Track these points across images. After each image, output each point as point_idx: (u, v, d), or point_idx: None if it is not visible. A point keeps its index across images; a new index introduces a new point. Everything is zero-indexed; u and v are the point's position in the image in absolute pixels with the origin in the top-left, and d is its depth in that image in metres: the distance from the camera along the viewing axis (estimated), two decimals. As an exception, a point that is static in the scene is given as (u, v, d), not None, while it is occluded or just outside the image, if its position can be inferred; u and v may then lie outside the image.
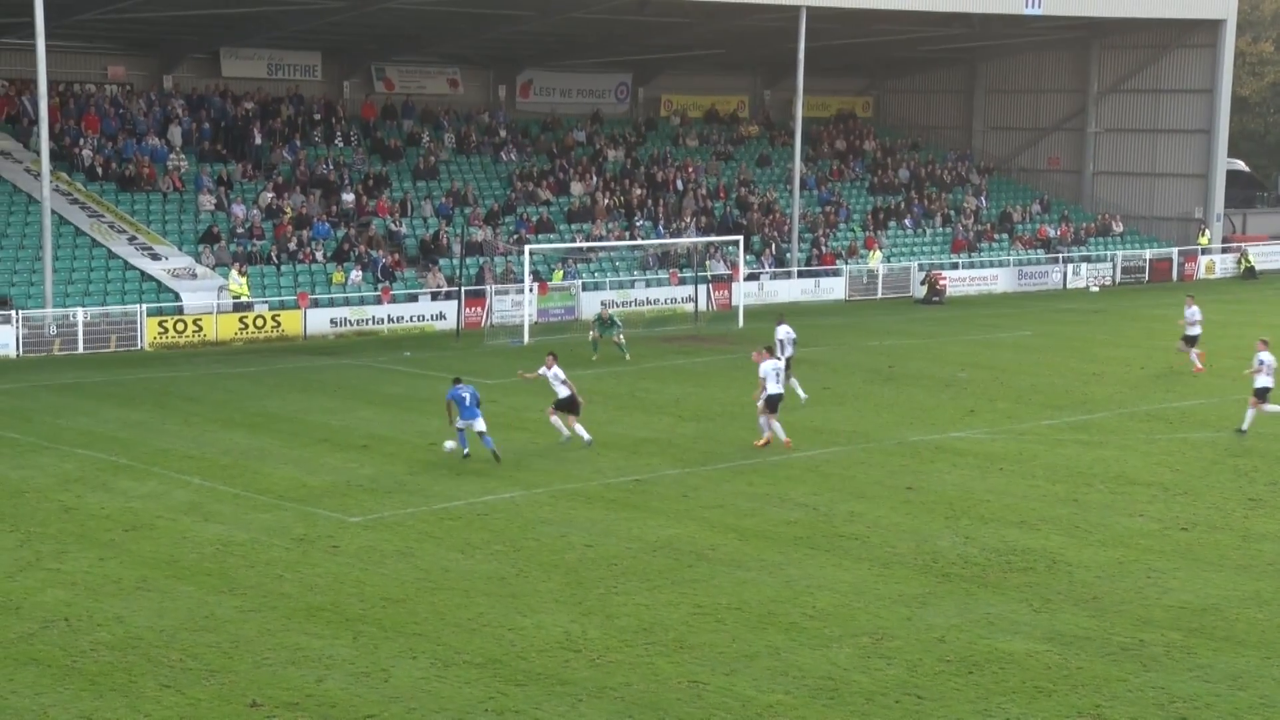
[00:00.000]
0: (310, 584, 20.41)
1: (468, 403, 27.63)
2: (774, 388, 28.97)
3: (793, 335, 35.84)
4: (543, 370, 29.72)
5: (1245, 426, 30.84)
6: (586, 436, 29.20)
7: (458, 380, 28.55)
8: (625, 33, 59.84)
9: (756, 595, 20.07)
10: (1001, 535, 23.10)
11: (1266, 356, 30.88)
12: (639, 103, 67.67)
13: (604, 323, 41.83)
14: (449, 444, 27.88)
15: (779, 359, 30.64)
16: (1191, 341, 39.44)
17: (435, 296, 48.43)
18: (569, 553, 22.00)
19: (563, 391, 29.27)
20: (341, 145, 56.10)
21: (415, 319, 47.25)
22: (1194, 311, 39.46)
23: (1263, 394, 30.70)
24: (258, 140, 54.14)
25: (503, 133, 60.34)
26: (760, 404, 29.14)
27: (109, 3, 47.09)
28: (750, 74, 70.84)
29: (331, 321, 46.03)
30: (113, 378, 37.31)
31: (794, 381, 33.34)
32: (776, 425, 29.06)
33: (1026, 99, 72.56)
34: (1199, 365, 38.80)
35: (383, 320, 46.75)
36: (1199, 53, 66.79)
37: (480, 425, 27.63)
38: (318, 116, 56.79)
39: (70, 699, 16.34)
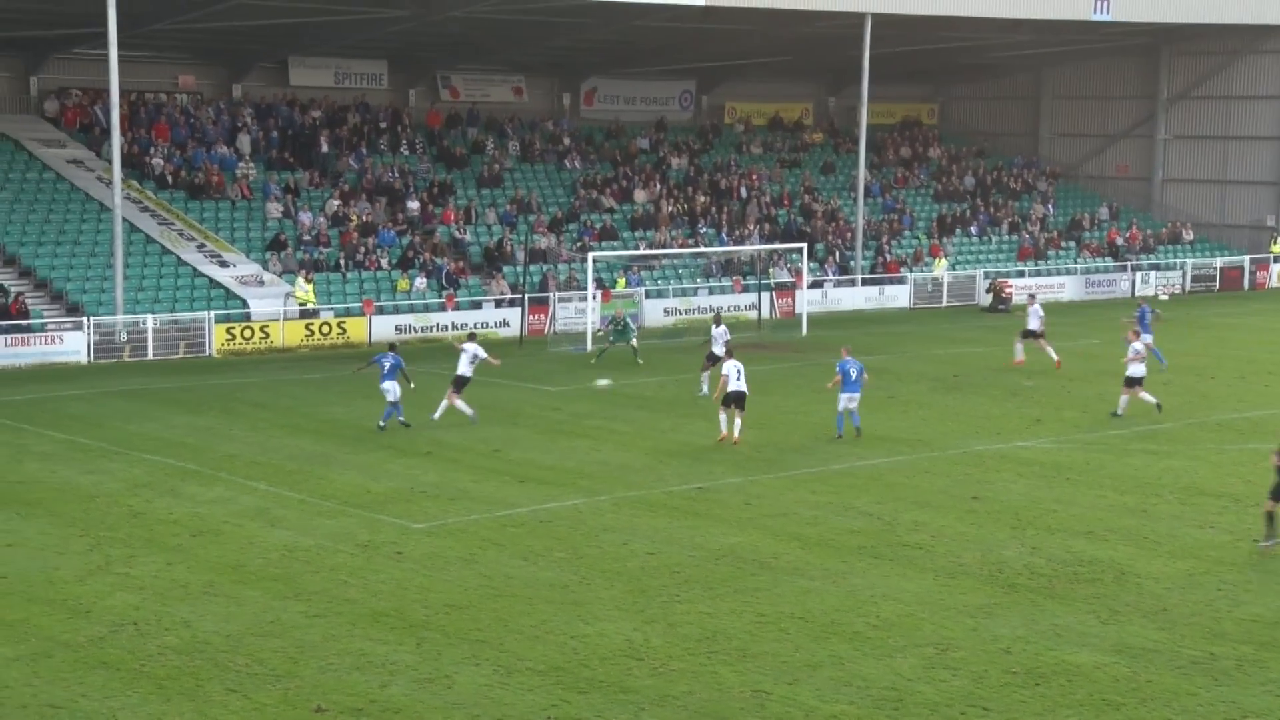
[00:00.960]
0: (374, 590, 20.52)
1: (385, 369, 31.18)
2: (734, 385, 30.33)
3: (727, 335, 36.69)
4: (465, 345, 32.80)
5: (1120, 410, 33.05)
6: (470, 411, 32.01)
7: (391, 348, 32.43)
8: (689, 40, 59.83)
9: (820, 604, 19.97)
10: (1068, 546, 22.87)
11: (1139, 346, 33.51)
12: (703, 110, 67.65)
13: (618, 328, 42.10)
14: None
15: (735, 360, 31.28)
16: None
17: (499, 304, 48.59)
18: (631, 560, 21.99)
19: (465, 371, 32.19)
20: (407, 153, 56.44)
21: (479, 326, 47.43)
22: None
23: (1135, 382, 33.22)
24: (324, 148, 54.58)
25: (566, 140, 60.49)
26: (719, 399, 30.80)
27: (180, 13, 47.66)
28: (814, 81, 70.64)
29: (396, 328, 46.29)
30: (181, 384, 37.71)
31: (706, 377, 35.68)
32: (726, 419, 30.57)
33: (1094, 105, 71.92)
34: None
35: (447, 327, 46.95)
36: (1272, 58, 65.94)
37: (393, 394, 30.99)
38: (384, 125, 57.18)
39: (138, 703, 16.50)
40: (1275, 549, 22.40)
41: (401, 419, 31.53)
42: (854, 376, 30.93)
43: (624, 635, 18.72)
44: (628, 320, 43.05)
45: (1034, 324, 40.39)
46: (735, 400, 30.52)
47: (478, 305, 48.40)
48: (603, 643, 18.45)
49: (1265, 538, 22.54)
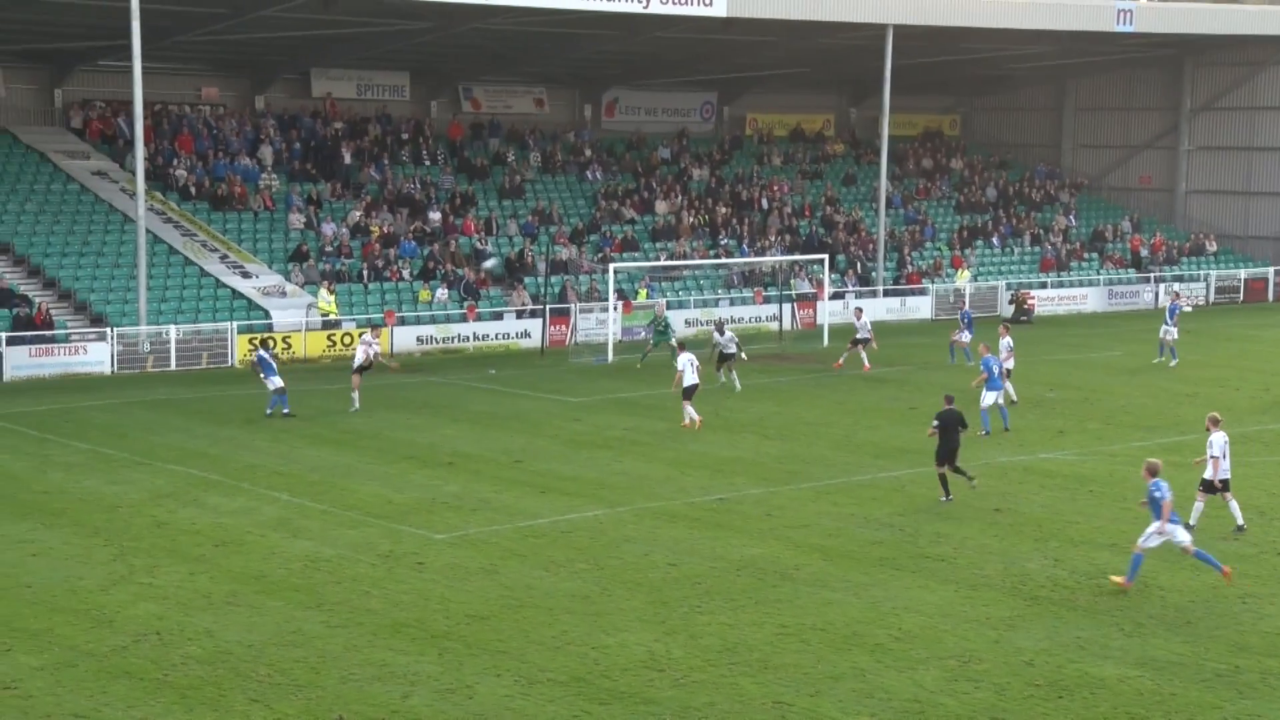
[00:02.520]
0: (396, 600, 20.55)
1: (267, 360, 34.58)
2: (690, 379, 32.85)
3: (735, 339, 39.22)
4: (367, 336, 36.23)
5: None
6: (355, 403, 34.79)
7: (263, 344, 36.33)
8: (710, 52, 59.89)
9: (841, 616, 19.93)
10: (1091, 558, 22.79)
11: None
12: (724, 121, 67.72)
13: (659, 329, 43.38)
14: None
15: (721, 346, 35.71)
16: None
17: (520, 315, 48.68)
18: (653, 571, 21.98)
19: (360, 358, 35.37)
20: (428, 164, 56.60)
21: (500, 337, 47.52)
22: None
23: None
24: (347, 160, 54.76)
25: (588, 151, 60.61)
26: (678, 391, 33.29)
27: (203, 25, 47.91)
28: (836, 92, 70.66)
29: (418, 339, 46.39)
30: (204, 394, 37.84)
31: (735, 375, 38.28)
32: (690, 409, 32.77)
33: (1117, 116, 71.75)
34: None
35: (468, 338, 47.03)
36: (1296, 68, 65.78)
37: (276, 384, 33.99)
38: (405, 136, 57.35)
39: (161, 712, 16.55)
40: (952, 503, 25.61)
41: (286, 410, 34.15)
42: (997, 373, 32.56)
43: (645, 646, 18.71)
44: (668, 320, 44.13)
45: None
46: (694, 393, 33.12)
47: (499, 317, 48.45)
48: (624, 654, 18.44)
49: (943, 495, 26.00)
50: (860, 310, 45.25)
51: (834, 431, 32.78)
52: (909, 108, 68.22)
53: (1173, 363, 42.32)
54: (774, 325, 51.27)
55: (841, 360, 42.88)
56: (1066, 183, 70.42)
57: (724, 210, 59.06)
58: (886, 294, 56.55)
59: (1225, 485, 24.47)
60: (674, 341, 39.40)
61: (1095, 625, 19.62)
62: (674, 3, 49.26)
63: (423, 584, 21.29)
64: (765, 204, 60.65)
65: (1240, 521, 24.50)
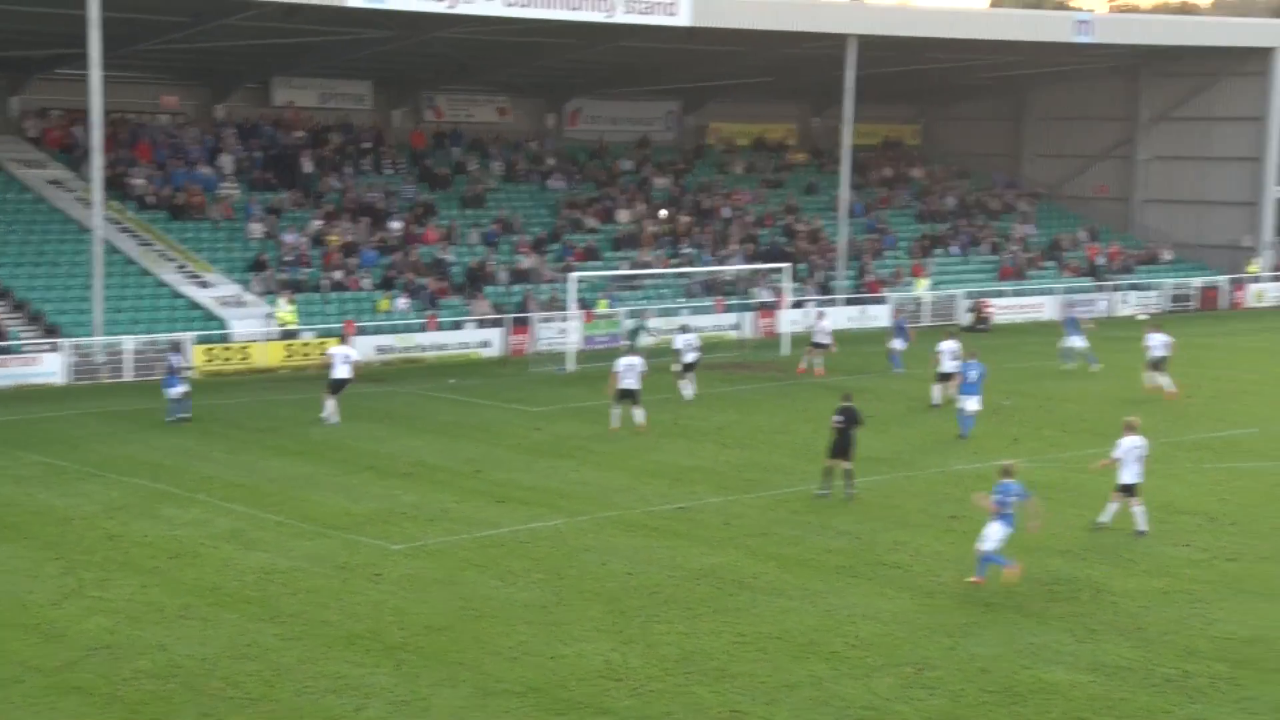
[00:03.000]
0: (352, 612, 20.45)
1: (177, 366, 35.39)
2: (625, 383, 33.34)
3: (695, 343, 39.31)
4: (335, 350, 35.76)
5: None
6: (327, 415, 34.66)
7: (175, 348, 37.19)
8: (673, 61, 60.00)
9: (798, 624, 19.96)
10: (1046, 564, 22.89)
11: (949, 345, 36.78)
12: (687, 130, 67.81)
13: (633, 331, 43.99)
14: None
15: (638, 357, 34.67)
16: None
17: (481, 324, 48.58)
18: (610, 581, 21.96)
19: (340, 373, 34.93)
20: (390, 173, 56.43)
21: (461, 346, 47.40)
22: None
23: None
24: (307, 169, 54.53)
25: (550, 160, 60.56)
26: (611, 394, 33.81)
27: (163, 34, 47.65)
28: (798, 102, 70.85)
29: (378, 349, 46.21)
30: (159, 405, 37.54)
31: (687, 382, 38.54)
32: (617, 413, 33.55)
33: (1075, 127, 72.21)
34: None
35: (428, 348, 46.90)
36: (1249, 80, 66.21)
37: (175, 393, 34.79)
38: (367, 145, 57.17)
39: (111, 725, 16.40)
40: (828, 499, 26.54)
41: (186, 415, 34.88)
42: (974, 378, 33.04)
43: (602, 656, 18.68)
44: (643, 325, 45.38)
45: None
46: (629, 397, 33.44)
47: (460, 326, 48.31)
48: (581, 663, 18.41)
49: (820, 488, 26.80)
50: (822, 314, 45.82)
51: (793, 440, 32.85)
52: (870, 117, 68.35)
53: (1094, 366, 42.51)
54: (735, 334, 51.28)
55: (803, 365, 43.38)
56: (1025, 192, 70.81)
57: (686, 219, 59.07)
58: (847, 302, 56.68)
59: (1129, 490, 24.75)
60: (636, 341, 41.02)
61: (1048, 631, 19.72)
62: (637, 12, 49.34)
63: (379, 595, 21.19)
64: (727, 213, 60.73)
65: (1142, 527, 24.60)
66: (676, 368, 39.08)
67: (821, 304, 54.96)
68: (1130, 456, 24.76)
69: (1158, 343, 39.60)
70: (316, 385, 40.92)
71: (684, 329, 40.71)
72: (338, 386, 35.03)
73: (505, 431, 34.20)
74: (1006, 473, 21.90)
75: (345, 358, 35.25)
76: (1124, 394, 39.34)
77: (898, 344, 44.03)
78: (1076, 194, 72.05)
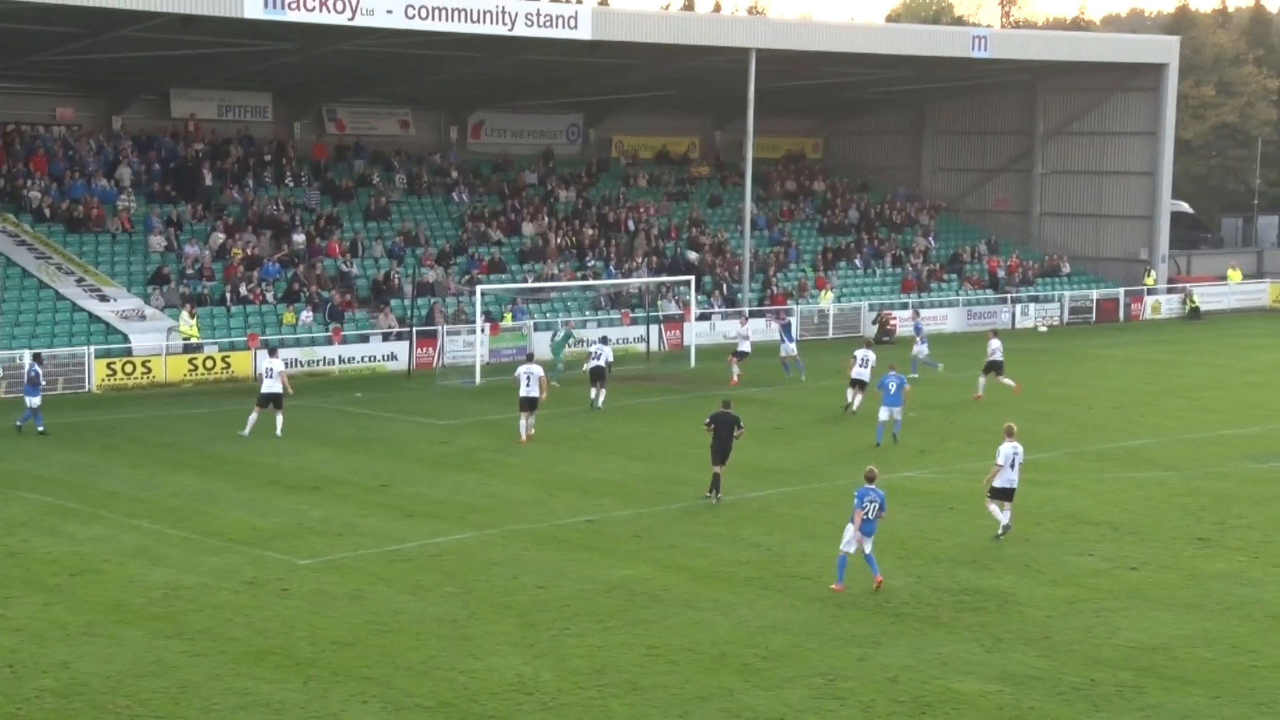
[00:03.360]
0: (260, 628, 20.21)
1: (37, 375, 35.34)
2: (524, 390, 33.96)
3: (608, 355, 40.54)
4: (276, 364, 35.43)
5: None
6: (277, 430, 34.50)
7: (36, 358, 36.85)
8: (576, 74, 60.05)
9: (709, 636, 20.02)
10: (953, 575, 23.16)
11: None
12: (590, 143, 67.83)
13: (559, 339, 45.10)
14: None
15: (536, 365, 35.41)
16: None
17: (386, 337, 48.27)
18: (521, 594, 21.90)
19: (268, 387, 34.97)
20: (292, 186, 55.93)
21: (366, 360, 47.06)
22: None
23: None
24: (208, 181, 53.89)
25: (454, 173, 60.36)
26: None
27: (59, 44, 46.87)
28: (701, 115, 71.16)
29: (282, 363, 45.65)
30: (60, 420, 36.90)
31: (602, 393, 39.34)
32: (524, 423, 34.14)
33: (974, 140, 73.26)
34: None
35: (334, 361, 46.50)
36: (1143, 96, 67.57)
37: (34, 402, 34.73)
38: (268, 157, 56.61)
39: (14, 747, 16.08)
40: (716, 504, 27.59)
41: (41, 428, 34.73)
42: (893, 390, 33.76)
43: (514, 670, 18.62)
44: (570, 334, 46.77)
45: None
46: (529, 405, 34.12)
47: (365, 339, 47.97)
48: (492, 678, 18.34)
49: (710, 490, 27.98)
50: (745, 317, 48.07)
51: (701, 452, 32.77)
52: (772, 131, 68.90)
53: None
54: (641, 346, 51.40)
55: (736, 377, 44.19)
56: (926, 205, 71.65)
57: (591, 232, 59.15)
58: (751, 315, 56.88)
59: (1006, 494, 25.46)
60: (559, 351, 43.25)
61: (957, 641, 19.94)
62: (539, 25, 49.35)
63: (287, 611, 20.97)
64: (632, 226, 60.89)
65: (1006, 522, 25.28)
66: (588, 368, 40.14)
67: (726, 317, 55.26)
68: (1006, 461, 25.39)
69: (995, 348, 42.16)
70: (218, 399, 40.54)
71: (604, 340, 41.81)
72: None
73: (412, 445, 34.04)
74: (869, 478, 22.50)
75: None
76: (1024, 405, 39.89)
77: (788, 349, 45.34)
78: (977, 207, 73.04)
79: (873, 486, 22.29)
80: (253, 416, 34.68)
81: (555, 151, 65.35)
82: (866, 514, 22.08)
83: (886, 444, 33.78)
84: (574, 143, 67.12)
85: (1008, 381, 41.48)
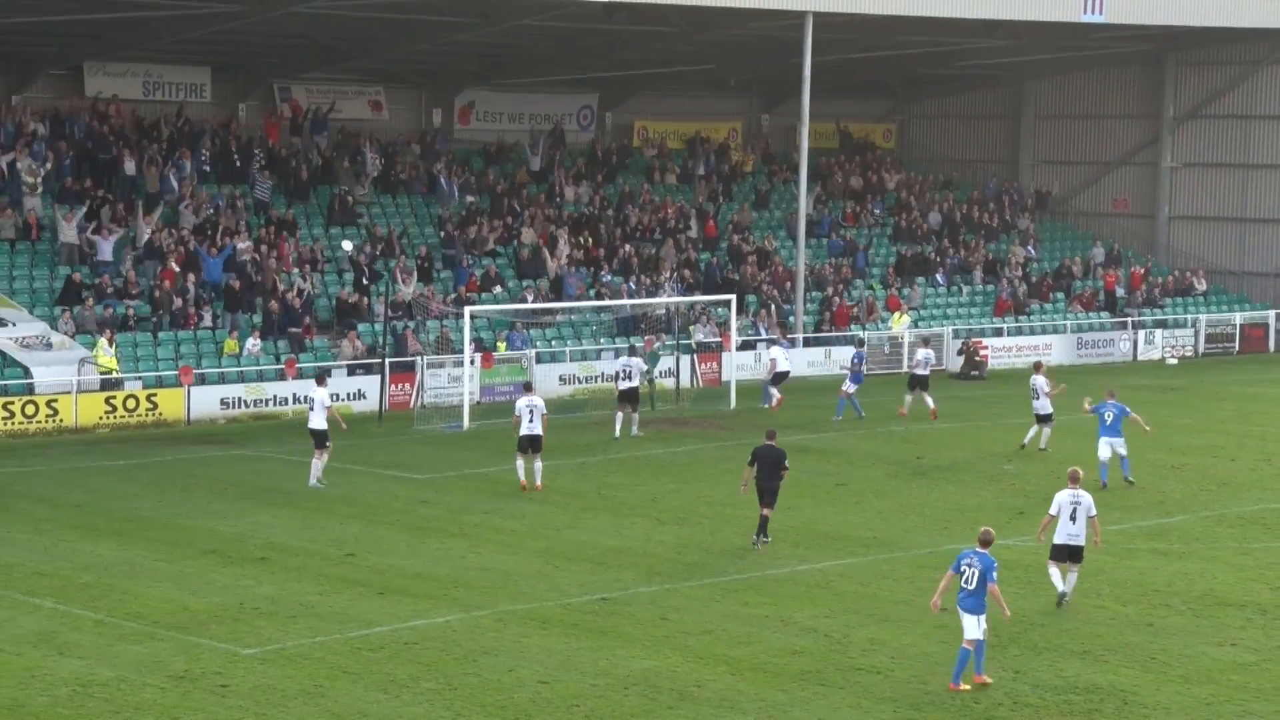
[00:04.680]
0: (193, 733, 20.25)
1: None
2: (527, 428, 34.83)
3: (641, 366, 43.70)
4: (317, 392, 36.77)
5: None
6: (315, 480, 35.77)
7: None
8: (590, 45, 60.23)
9: (754, 745, 19.98)
10: (1059, 669, 23.07)
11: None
12: (607, 130, 67.95)
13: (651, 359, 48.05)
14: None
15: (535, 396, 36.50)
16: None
17: (353, 370, 48.31)
18: (519, 691, 21.89)
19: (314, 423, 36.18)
20: (236, 181, 56.12)
21: (329, 398, 46.94)
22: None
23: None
24: (130, 173, 54.08)
25: (438, 167, 60.50)
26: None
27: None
28: (745, 96, 71.28)
29: (222, 402, 45.87)
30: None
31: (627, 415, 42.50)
32: (525, 466, 35.02)
33: (1086, 127, 73.20)
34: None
35: (286, 400, 46.60)
36: (1300, 69, 67.65)
37: None
38: (206, 147, 56.78)
39: None
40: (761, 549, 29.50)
41: None
42: (1110, 420, 35.90)
43: (509, 787, 18.63)
44: (657, 356, 49.01)
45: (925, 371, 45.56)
46: (531, 445, 34.96)
47: (326, 373, 47.95)
48: (482, 796, 18.32)
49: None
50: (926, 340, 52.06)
51: (744, 514, 32.83)
52: (834, 115, 69.02)
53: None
54: (670, 382, 51.36)
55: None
56: (1026, 206, 71.57)
57: (607, 239, 59.19)
58: (807, 343, 56.93)
59: (1069, 554, 26.25)
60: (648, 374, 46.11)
61: (1065, 751, 19.88)
62: (544, -18, 49.55)
63: (227, 712, 21.01)
64: (658, 232, 60.91)
65: (1063, 589, 26.05)
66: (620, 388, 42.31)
67: (776, 343, 55.21)
68: (1065, 512, 26.10)
69: (923, 359, 46.02)
70: (142, 447, 40.61)
71: (634, 350, 43.54)
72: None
73: (384, 505, 34.04)
74: (983, 541, 22.57)
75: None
76: (1152, 457, 39.63)
77: (850, 386, 46.35)
78: (1089, 209, 72.93)
79: (983, 551, 22.31)
80: (317, 462, 36.17)
81: (564, 140, 65.45)
82: (965, 581, 21.93)
83: (1115, 485, 35.66)
84: (587, 129, 67.22)
85: (929, 402, 45.09)
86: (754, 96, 71.59)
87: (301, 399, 46.48)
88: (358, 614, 25.55)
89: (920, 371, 46.02)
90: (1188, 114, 70.65)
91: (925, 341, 47.91)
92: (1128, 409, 36.39)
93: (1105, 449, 36.07)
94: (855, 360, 47.31)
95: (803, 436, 42.17)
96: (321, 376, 39.20)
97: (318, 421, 36.17)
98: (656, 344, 50.98)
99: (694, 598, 26.68)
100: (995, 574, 22.39)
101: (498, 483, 35.96)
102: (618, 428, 42.36)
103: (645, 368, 45.69)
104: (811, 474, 35.19)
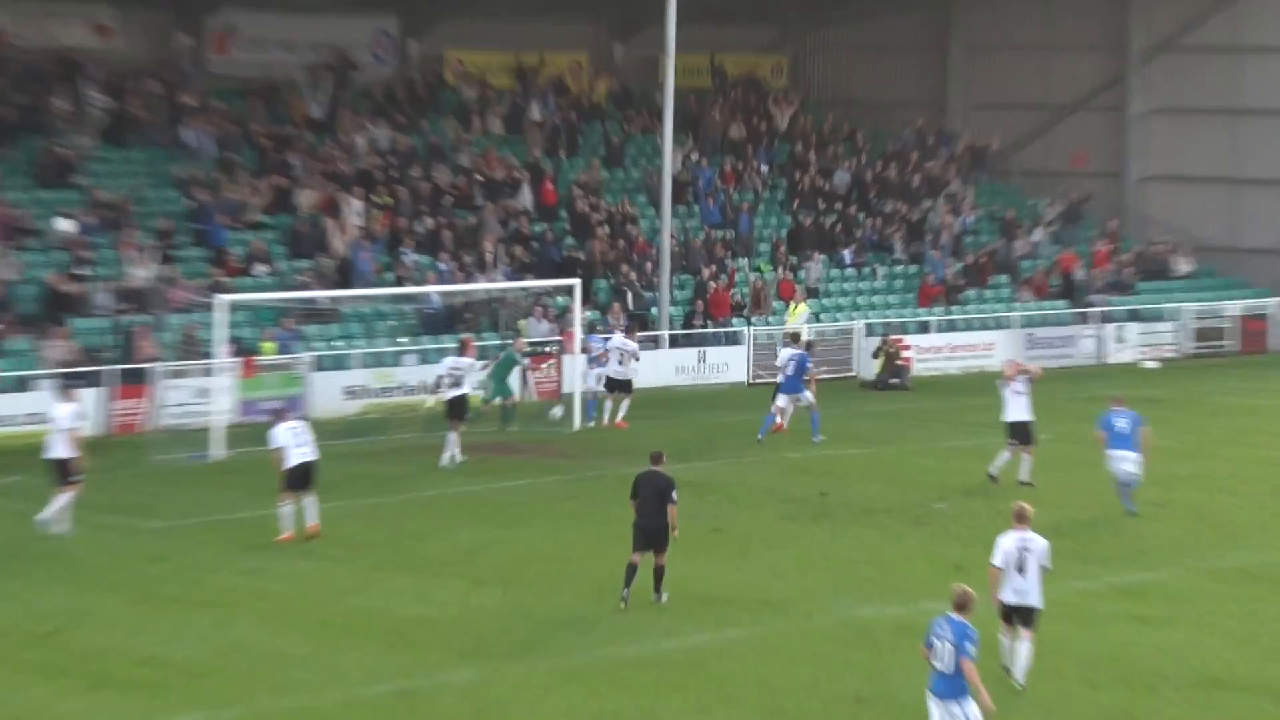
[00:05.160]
0: None
1: None
2: (297, 456, 34.86)
3: (471, 368, 44.38)
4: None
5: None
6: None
7: None
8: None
9: None
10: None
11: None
12: (411, 62, 67.87)
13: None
14: None
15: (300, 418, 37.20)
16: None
17: (65, 381, 47.18)
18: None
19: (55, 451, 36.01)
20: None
21: (26, 420, 45.98)
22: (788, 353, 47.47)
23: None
24: None
25: (187, 106, 59.64)
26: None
27: None
28: (592, 19, 71.20)
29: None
30: None
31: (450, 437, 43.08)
32: (289, 510, 34.98)
33: (1032, 62, 73.92)
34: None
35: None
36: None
37: None
38: None
39: None
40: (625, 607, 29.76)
41: None
42: (1126, 429, 36.82)
43: None
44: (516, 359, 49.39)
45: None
46: (300, 481, 35.07)
47: (22, 384, 46.93)
48: None
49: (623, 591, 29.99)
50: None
51: (590, 571, 32.61)
52: (707, 45, 68.84)
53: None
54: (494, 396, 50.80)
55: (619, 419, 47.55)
56: (957, 162, 71.70)
57: (411, 203, 58.61)
58: (675, 343, 56.51)
59: (1019, 615, 25.86)
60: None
61: None
62: None
63: None
64: (478, 196, 60.35)
65: (1015, 668, 25.58)
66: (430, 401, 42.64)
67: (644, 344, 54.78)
68: (1012, 561, 25.77)
69: (787, 358, 47.03)
70: None
71: (463, 348, 44.39)
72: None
73: (103, 564, 33.53)
74: (957, 604, 22.03)
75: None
76: (1144, 491, 39.56)
77: (806, 396, 47.00)
78: (1038, 166, 73.44)
79: (957, 617, 21.79)
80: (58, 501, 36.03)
81: (353, 75, 64.89)
82: (936, 662, 21.44)
83: (1096, 523, 36.73)
84: (384, 61, 67.09)
85: (809, 397, 46.72)
86: (603, 19, 71.49)
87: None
88: (63, 714, 24.88)
89: (781, 379, 46.63)
90: (1160, 45, 71.63)
91: (794, 339, 47.55)
92: (1141, 419, 37.05)
93: (1123, 465, 36.83)
94: (793, 363, 47.03)
95: (671, 466, 41.53)
96: (68, 390, 38.89)
97: (60, 449, 35.85)
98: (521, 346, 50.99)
99: (524, 687, 26.21)
100: (972, 647, 21.61)
101: (259, 531, 35.45)
102: (446, 454, 42.88)
103: (485, 378, 46.36)
104: (682, 516, 34.51)
